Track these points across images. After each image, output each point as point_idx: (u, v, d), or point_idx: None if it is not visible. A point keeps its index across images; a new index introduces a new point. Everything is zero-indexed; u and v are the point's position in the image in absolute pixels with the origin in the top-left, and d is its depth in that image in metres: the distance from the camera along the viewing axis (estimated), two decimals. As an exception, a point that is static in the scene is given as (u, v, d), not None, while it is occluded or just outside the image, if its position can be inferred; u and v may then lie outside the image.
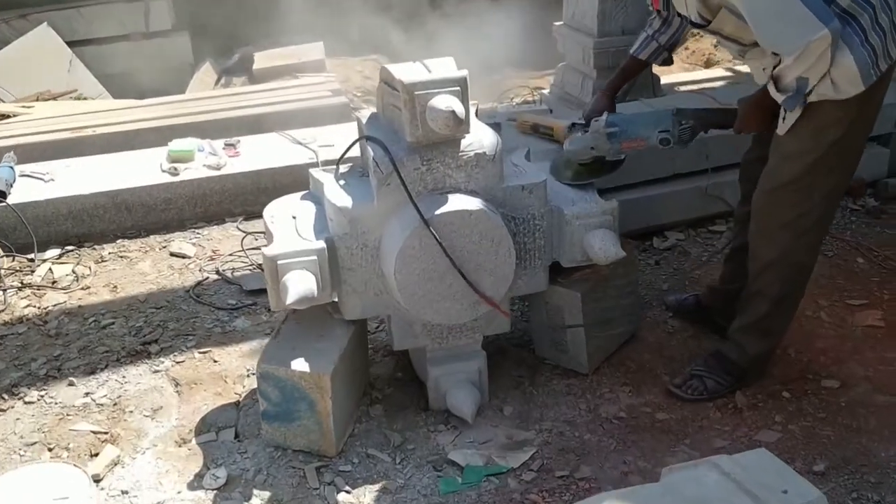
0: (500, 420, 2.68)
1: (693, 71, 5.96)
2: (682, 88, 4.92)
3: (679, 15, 2.54)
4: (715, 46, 6.16)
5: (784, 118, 2.37)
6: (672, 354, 2.94)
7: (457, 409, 2.62)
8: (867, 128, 2.46)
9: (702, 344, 2.97)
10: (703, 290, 3.10)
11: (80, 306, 3.27)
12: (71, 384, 2.85)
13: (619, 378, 2.83)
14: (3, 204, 3.57)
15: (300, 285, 2.33)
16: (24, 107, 5.83)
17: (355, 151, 2.65)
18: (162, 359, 2.97)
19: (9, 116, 5.45)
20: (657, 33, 2.78)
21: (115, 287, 3.40)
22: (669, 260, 3.51)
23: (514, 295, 2.70)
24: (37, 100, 6.27)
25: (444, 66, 2.42)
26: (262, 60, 7.07)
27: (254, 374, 2.67)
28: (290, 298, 2.33)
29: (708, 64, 6.50)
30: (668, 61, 2.86)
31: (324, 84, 5.99)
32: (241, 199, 3.88)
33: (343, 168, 2.66)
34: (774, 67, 2.29)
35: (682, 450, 2.53)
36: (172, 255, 3.62)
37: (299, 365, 2.45)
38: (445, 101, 2.28)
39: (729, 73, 5.21)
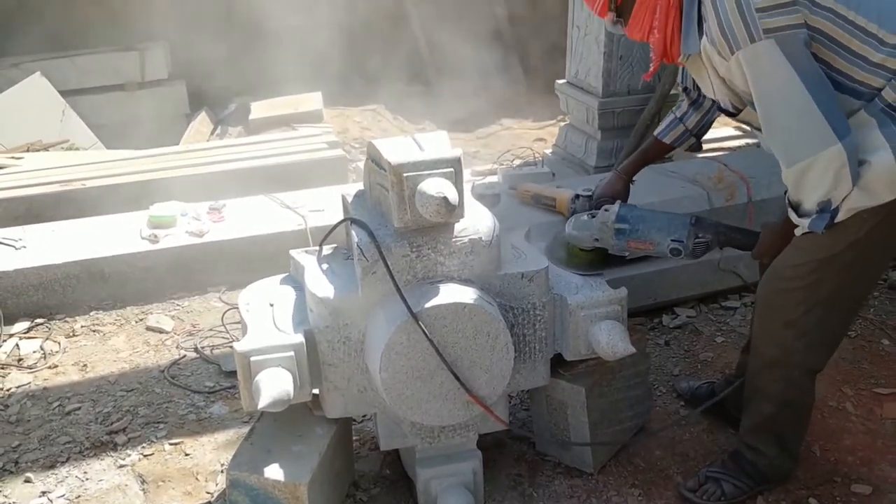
0: (497, 528, 2.43)
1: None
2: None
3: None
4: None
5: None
6: (685, 451, 2.69)
7: (448, 517, 2.37)
8: None
9: (717, 439, 2.73)
10: (719, 379, 2.86)
11: (45, 388, 3.03)
12: (28, 480, 2.60)
13: (627, 479, 2.58)
14: (-31, 275, 3.36)
15: (274, 388, 2.10)
16: (13, 157, 5.66)
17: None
18: (129, 451, 2.73)
19: (-2, 168, 5.28)
20: (685, 116, 2.57)
21: (85, 366, 3.16)
22: (680, 340, 3.28)
23: (512, 391, 2.46)
24: (27, 150, 6.11)
25: (437, 145, 2.21)
26: (258, 110, 6.91)
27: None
28: (263, 402, 2.09)
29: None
30: (695, 147, 2.65)
31: (320, 136, 5.83)
32: (225, 268, 3.65)
33: (326, 249, 2.45)
34: (786, 192, 2.09)
35: (699, 568, 2.28)
36: (149, 329, 3.39)
37: (273, 472, 2.21)
38: (437, 186, 2.06)
39: (739, 132, 5.01)
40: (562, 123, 4.94)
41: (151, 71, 7.46)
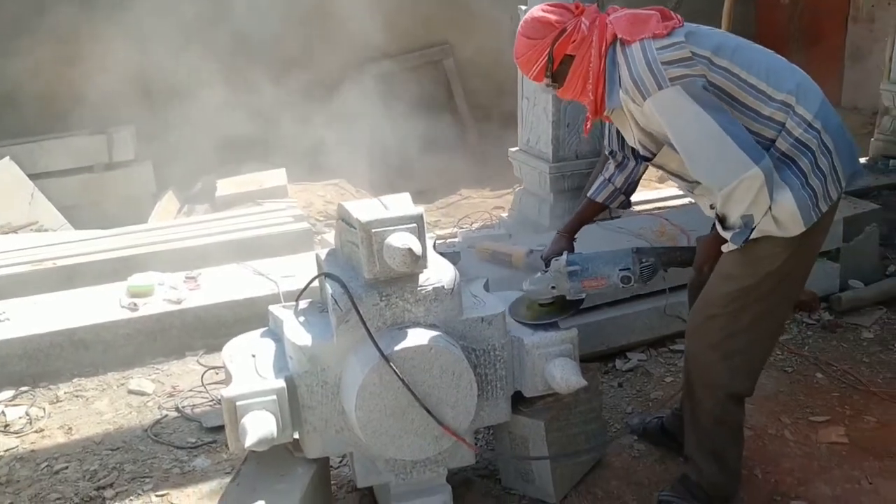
0: (468, 558, 2.61)
1: (647, 189, 6.11)
2: (636, 208, 5.05)
3: (634, 155, 2.60)
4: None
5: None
6: (640, 480, 2.90)
7: (422, 548, 2.55)
8: (804, 266, 2.49)
9: (669, 468, 2.95)
10: (667, 412, 3.10)
11: (32, 451, 3.17)
12: (21, 536, 2.74)
13: (587, 507, 2.79)
14: (-44, 346, 3.50)
15: (259, 428, 2.29)
16: (-19, 241, 5.79)
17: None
18: (117, 504, 2.88)
19: (-33, 251, 5.40)
20: (612, 177, 2.86)
21: (71, 429, 3.31)
22: (632, 381, 3.52)
23: (477, 427, 2.67)
24: (-4, 233, 6.26)
25: (401, 204, 2.47)
26: (224, 187, 7.11)
27: (213, 517, 2.59)
28: (249, 441, 2.28)
29: (662, 179, 6.69)
30: (625, 204, 2.93)
31: (285, 210, 6.02)
32: (202, 333, 3.85)
33: (302, 304, 2.67)
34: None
35: (655, 584, 2.47)
36: (131, 392, 3.55)
37: (259, 509, 2.38)
38: (402, 239, 2.31)
39: (681, 193, 5.34)
40: (518, 189, 5.25)
41: (119, 153, 7.68)
